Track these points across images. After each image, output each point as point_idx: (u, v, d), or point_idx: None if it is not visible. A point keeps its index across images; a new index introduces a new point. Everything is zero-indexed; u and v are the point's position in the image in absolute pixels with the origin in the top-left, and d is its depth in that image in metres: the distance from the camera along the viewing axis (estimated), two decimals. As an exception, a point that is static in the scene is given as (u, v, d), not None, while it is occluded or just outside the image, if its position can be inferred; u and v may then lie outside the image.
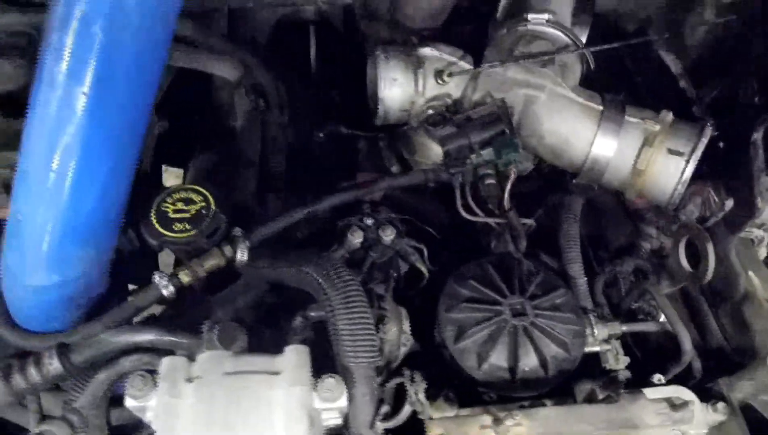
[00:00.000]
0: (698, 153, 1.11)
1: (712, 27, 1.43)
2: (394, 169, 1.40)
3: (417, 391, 0.93)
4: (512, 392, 1.03)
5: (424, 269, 1.19)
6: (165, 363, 0.90)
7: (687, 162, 1.11)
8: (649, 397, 0.97)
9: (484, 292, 1.08)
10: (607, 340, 1.12)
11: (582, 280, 1.20)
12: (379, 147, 1.42)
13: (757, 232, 1.31)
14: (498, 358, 1.03)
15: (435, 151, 1.32)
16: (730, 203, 1.22)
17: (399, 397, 0.99)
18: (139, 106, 0.90)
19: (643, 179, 1.15)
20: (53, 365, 0.88)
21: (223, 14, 1.39)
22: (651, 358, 1.21)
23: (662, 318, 1.27)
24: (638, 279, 1.27)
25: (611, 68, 1.49)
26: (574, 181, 1.22)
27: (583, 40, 1.35)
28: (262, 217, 1.21)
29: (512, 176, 1.10)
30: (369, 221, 1.19)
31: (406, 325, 1.07)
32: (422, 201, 1.36)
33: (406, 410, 0.92)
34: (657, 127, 1.13)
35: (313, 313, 1.05)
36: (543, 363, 1.03)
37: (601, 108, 1.16)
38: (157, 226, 0.99)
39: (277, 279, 1.05)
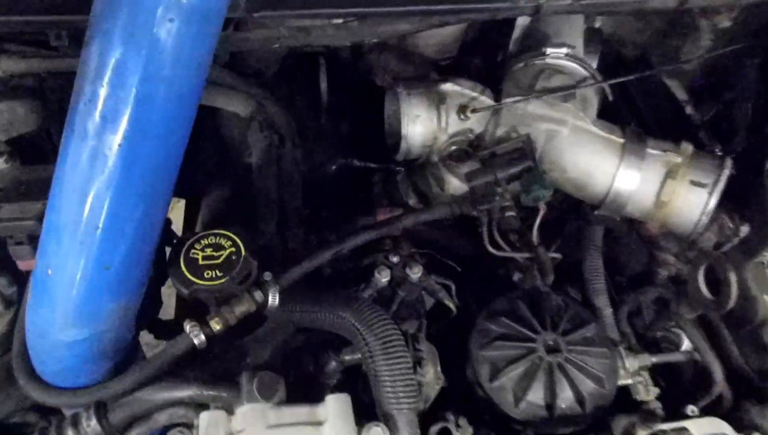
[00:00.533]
0: (721, 185, 1.13)
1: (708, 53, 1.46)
2: (412, 202, 1.39)
3: (463, 436, 0.92)
4: (550, 430, 1.02)
5: (452, 305, 1.18)
6: (204, 418, 0.88)
7: (710, 194, 1.13)
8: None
9: (517, 329, 1.08)
10: (637, 372, 1.12)
11: (608, 311, 1.20)
12: (395, 180, 1.41)
13: (768, 255, 1.34)
14: (535, 395, 1.03)
15: (454, 185, 1.32)
16: (745, 229, 1.23)
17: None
18: (172, 154, 0.89)
19: (666, 211, 1.16)
20: (91, 426, 0.85)
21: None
22: (676, 386, 1.22)
23: (684, 346, 1.29)
24: (660, 308, 1.28)
25: (615, 95, 1.51)
26: (595, 212, 1.23)
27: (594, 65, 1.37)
28: (287, 258, 1.19)
29: (541, 212, 1.11)
30: (395, 258, 1.18)
31: (438, 364, 1.06)
32: (441, 233, 1.36)
33: (453, 456, 0.91)
34: (679, 159, 1.15)
35: (347, 357, 1.04)
36: (580, 399, 1.03)
37: (622, 140, 1.17)
38: (187, 274, 0.96)
39: (310, 323, 1.03)
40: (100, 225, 0.85)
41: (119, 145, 0.82)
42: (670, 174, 1.14)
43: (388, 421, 0.91)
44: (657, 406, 1.11)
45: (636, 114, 1.49)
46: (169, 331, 0.96)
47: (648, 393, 1.13)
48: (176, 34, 0.78)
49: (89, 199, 0.84)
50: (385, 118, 1.33)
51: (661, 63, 1.46)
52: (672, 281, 1.37)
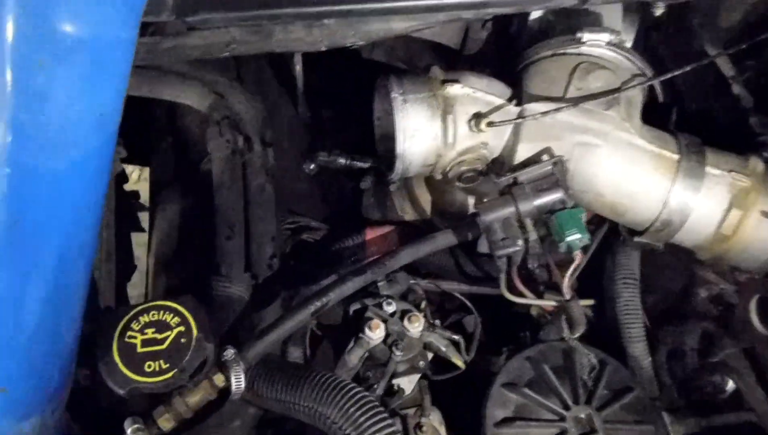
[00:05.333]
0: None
1: (750, 8, 1.19)
2: (408, 217, 1.15)
3: None
4: None
5: (460, 363, 0.97)
6: None
7: (790, 229, 0.90)
8: None
9: (543, 403, 0.88)
10: (683, 442, 0.94)
11: (647, 362, 1.00)
12: (387, 190, 1.16)
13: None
14: (565, 491, 0.84)
15: (460, 199, 1.08)
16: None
17: None
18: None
19: (729, 245, 0.94)
20: None
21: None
22: None
23: (729, 387, 1.10)
24: (705, 347, 1.08)
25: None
26: (635, 239, 1.00)
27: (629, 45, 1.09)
28: (252, 311, 0.97)
29: (577, 261, 0.87)
30: (390, 308, 0.96)
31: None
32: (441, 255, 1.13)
33: None
34: (747, 182, 0.91)
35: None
36: (619, 494, 0.85)
37: (677, 157, 0.93)
38: (122, 368, 0.73)
39: (284, 413, 0.82)
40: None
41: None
42: (735, 201, 0.91)
43: None
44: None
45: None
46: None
47: (693, 463, 0.95)
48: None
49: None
50: (375, 119, 1.06)
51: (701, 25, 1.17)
52: (713, 302, 1.17)
